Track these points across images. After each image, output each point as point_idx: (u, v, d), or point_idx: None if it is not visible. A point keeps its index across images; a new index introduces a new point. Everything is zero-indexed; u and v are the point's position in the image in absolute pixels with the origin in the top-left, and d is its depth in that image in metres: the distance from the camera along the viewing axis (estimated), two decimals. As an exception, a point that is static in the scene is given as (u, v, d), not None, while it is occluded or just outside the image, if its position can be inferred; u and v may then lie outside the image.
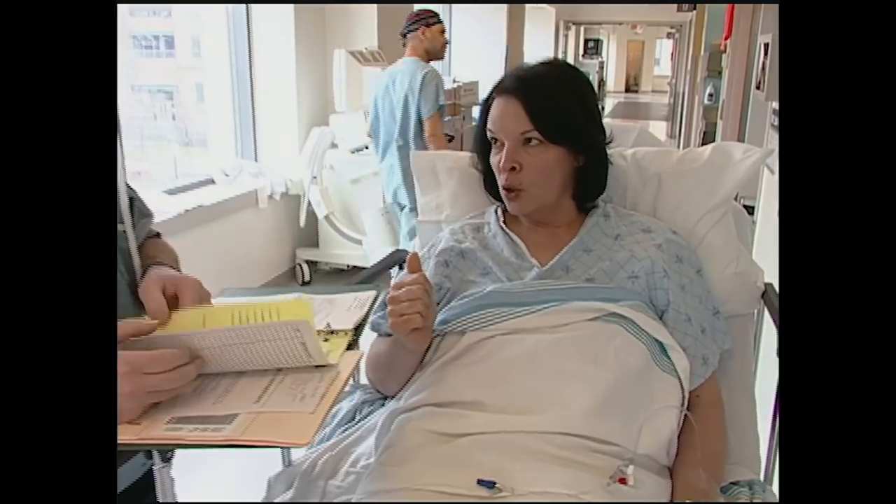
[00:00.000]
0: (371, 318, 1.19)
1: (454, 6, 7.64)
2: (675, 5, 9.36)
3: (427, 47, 3.22)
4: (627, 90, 25.72)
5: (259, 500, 1.12)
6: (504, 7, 8.48)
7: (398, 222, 3.37)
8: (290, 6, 3.76)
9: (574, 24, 15.67)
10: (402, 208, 3.26)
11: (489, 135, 1.17)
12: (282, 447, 0.74)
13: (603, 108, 15.50)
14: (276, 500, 1.09)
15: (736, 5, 4.15)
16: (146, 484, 0.89)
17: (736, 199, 1.36)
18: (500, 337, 1.04)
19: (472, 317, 1.07)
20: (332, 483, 1.08)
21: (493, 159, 1.17)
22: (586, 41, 20.78)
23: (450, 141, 3.46)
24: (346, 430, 1.21)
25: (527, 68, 1.18)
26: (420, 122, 3.13)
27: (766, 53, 2.66)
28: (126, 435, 0.74)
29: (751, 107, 3.65)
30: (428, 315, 0.99)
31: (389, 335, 1.08)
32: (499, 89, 1.16)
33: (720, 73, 5.54)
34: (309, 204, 3.83)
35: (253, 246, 3.80)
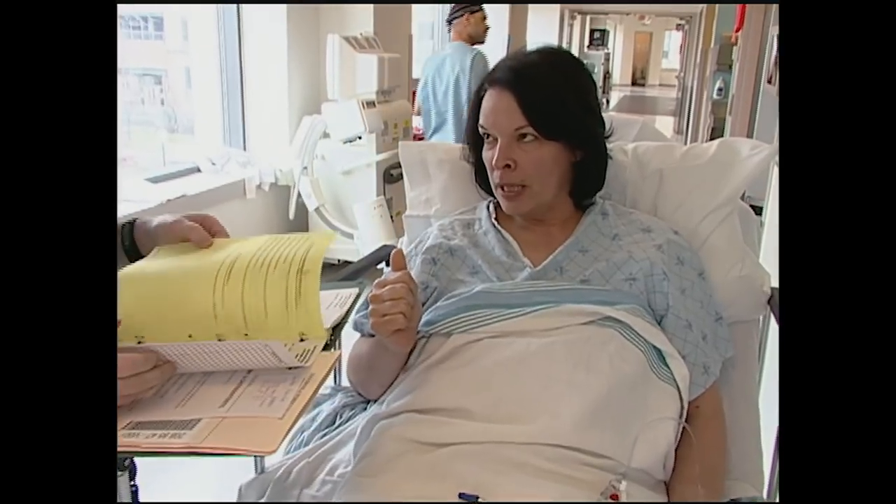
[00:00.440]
0: (354, 317, 1.17)
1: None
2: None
3: (471, 32, 3.81)
4: (634, 83, 25.69)
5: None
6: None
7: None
8: (283, -11, 3.73)
9: (580, 13, 15.64)
10: None
11: (481, 130, 1.14)
12: (245, 455, 0.71)
13: (608, 102, 15.51)
14: (246, 510, 1.07)
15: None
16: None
17: (742, 198, 1.33)
18: (488, 340, 1.02)
19: (459, 318, 1.05)
20: (307, 492, 1.06)
21: (486, 154, 1.15)
22: (592, 31, 20.76)
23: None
24: (325, 434, 1.19)
25: (520, 57, 1.15)
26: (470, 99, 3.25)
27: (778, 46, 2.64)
28: None
29: (761, 102, 3.63)
30: (412, 316, 0.97)
31: (372, 336, 1.07)
32: (490, 80, 1.13)
33: (730, 66, 5.53)
34: (299, 195, 3.81)
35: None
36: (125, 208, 2.59)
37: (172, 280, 0.84)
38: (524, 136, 1.09)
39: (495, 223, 1.20)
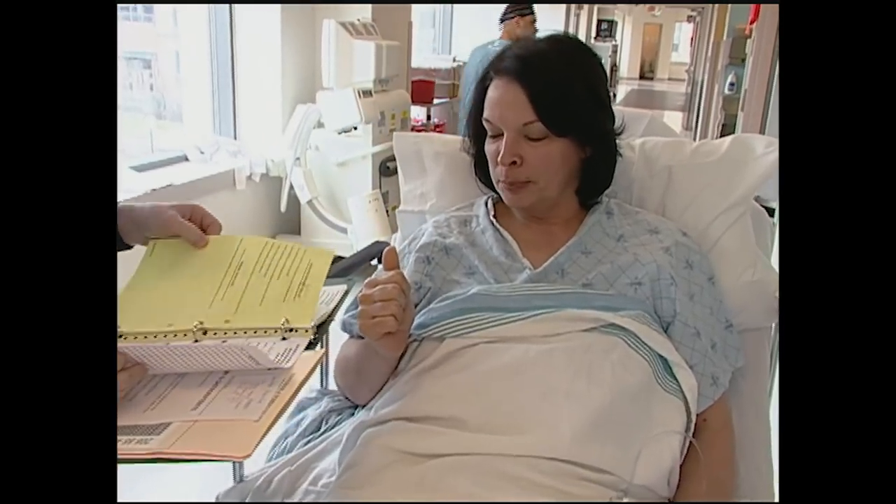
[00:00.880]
0: (343, 316, 1.15)
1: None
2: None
3: (519, 34, 4.02)
4: (642, 77, 25.71)
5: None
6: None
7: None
8: (278, -29, 3.70)
9: (587, 2, 15.61)
10: None
11: (485, 122, 1.11)
12: (216, 461, 0.69)
13: (615, 96, 15.50)
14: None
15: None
16: None
17: (756, 198, 1.31)
18: (484, 345, 1.00)
19: (454, 321, 1.03)
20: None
21: (489, 148, 1.12)
22: (599, 22, 20.73)
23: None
24: (309, 441, 1.17)
25: (528, 45, 1.12)
26: None
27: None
28: None
29: (773, 98, 3.62)
30: (403, 318, 0.94)
31: (361, 338, 1.04)
32: (496, 69, 1.10)
33: (743, 60, 5.50)
34: (291, 187, 3.79)
35: (228, 230, 3.71)
36: (108, 197, 2.57)
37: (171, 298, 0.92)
38: (532, 130, 1.07)
39: (494, 221, 1.18)
